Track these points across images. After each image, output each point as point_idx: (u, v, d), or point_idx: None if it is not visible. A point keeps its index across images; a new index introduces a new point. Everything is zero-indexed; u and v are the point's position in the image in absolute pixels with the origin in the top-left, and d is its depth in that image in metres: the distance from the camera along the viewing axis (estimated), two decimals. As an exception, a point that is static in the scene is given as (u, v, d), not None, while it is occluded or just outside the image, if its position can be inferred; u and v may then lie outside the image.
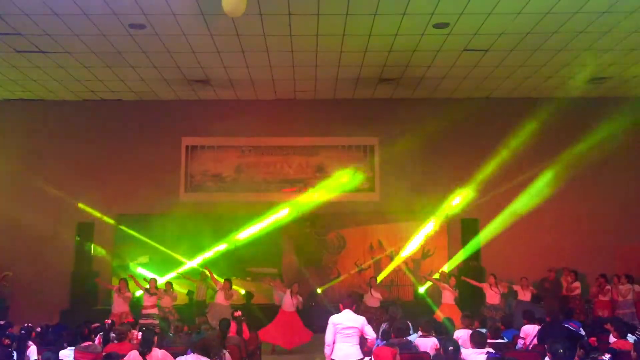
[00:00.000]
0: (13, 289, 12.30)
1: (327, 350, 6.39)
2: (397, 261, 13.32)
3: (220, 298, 11.31)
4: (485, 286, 11.43)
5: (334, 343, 6.34)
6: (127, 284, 11.50)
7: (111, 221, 13.41)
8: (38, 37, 10.09)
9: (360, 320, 6.45)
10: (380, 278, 12.82)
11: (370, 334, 6.46)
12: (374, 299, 11.33)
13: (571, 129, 13.20)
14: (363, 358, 6.33)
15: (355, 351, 6.31)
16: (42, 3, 8.77)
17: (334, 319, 6.44)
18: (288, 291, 11.00)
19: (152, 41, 10.31)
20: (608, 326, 7.06)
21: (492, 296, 11.21)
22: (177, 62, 11.43)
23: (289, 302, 10.89)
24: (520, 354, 6.79)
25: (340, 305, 6.60)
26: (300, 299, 11.06)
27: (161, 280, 12.37)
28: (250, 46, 10.62)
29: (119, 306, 11.22)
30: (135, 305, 11.52)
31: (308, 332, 10.74)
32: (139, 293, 11.79)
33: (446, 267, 13.07)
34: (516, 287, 11.57)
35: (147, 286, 11.54)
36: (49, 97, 13.44)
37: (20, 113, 13.66)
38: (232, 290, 11.60)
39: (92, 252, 13.22)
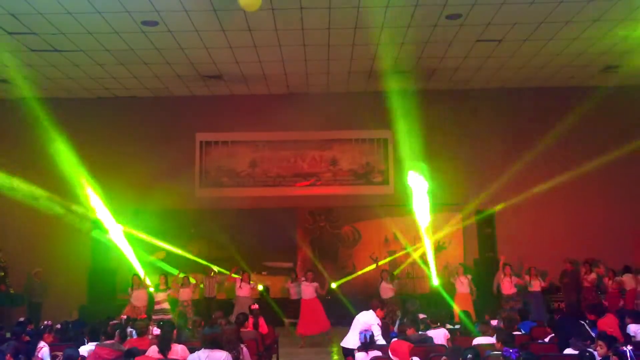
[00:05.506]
0: (45, 285, 12.50)
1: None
2: (413, 254, 13.28)
3: (244, 291, 11.36)
4: (500, 277, 11.39)
5: None
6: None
7: (126, 217, 13.46)
8: (52, 36, 10.19)
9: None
10: (396, 272, 12.75)
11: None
12: (386, 290, 11.33)
13: (589, 119, 13.04)
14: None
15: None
16: (56, 1, 8.86)
17: None
18: (302, 280, 11.11)
19: (165, 38, 10.37)
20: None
21: (508, 287, 11.19)
22: (190, 59, 11.48)
23: (306, 290, 10.97)
24: (537, 347, 6.71)
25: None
26: (317, 284, 11.11)
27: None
28: (262, 41, 10.64)
29: (137, 300, 11.25)
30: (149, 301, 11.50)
31: (327, 322, 10.80)
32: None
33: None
34: (525, 277, 11.39)
35: (157, 282, 11.53)
36: (63, 95, 13.54)
37: (34, 111, 13.71)
38: (253, 282, 11.71)
39: (109, 247, 13.30)
